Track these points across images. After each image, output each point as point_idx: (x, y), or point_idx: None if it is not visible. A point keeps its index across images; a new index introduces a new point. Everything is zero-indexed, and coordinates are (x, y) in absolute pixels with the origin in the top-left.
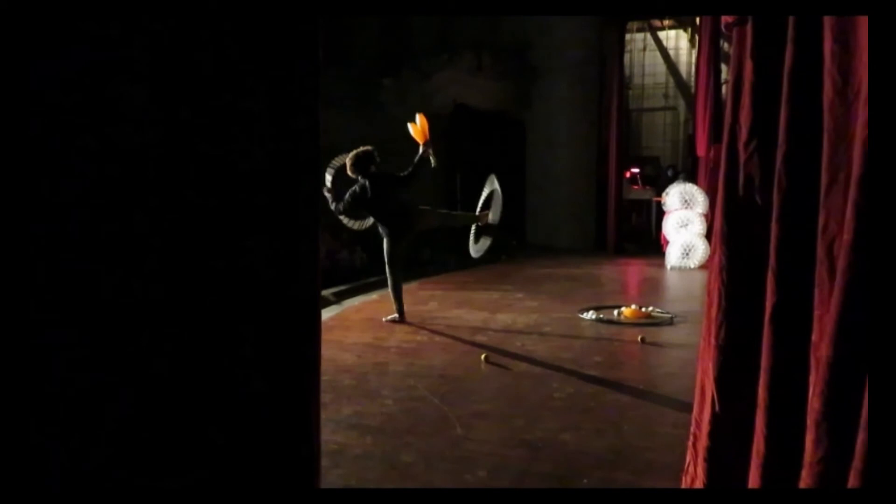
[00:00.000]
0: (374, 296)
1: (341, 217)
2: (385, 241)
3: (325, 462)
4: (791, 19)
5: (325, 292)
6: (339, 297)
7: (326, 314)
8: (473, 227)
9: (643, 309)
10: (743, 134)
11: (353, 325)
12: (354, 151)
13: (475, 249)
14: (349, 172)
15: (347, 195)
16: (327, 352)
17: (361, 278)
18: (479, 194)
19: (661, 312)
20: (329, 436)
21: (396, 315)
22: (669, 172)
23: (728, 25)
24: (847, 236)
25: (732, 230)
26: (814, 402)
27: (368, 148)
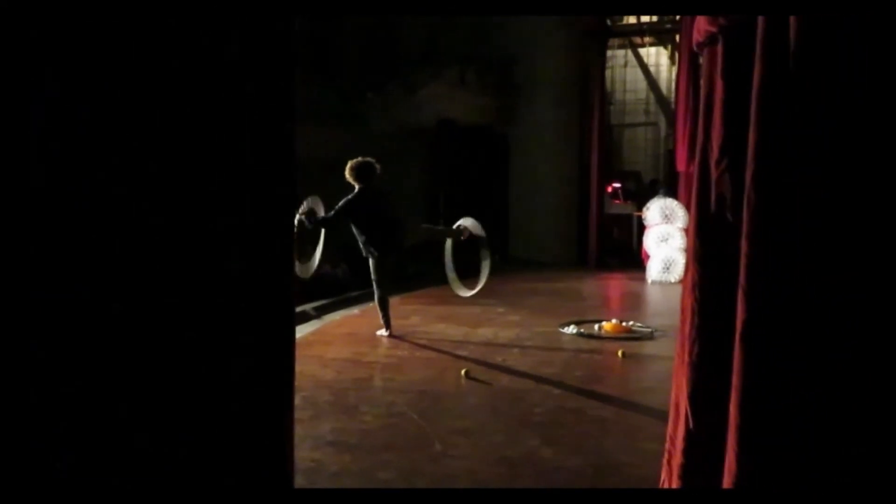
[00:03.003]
0: (355, 310)
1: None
2: (371, 260)
3: (301, 480)
4: (759, 38)
5: (306, 307)
6: (321, 312)
7: (307, 329)
8: (450, 252)
9: (624, 323)
10: (714, 152)
11: (333, 340)
12: (358, 159)
13: (474, 280)
14: (349, 178)
15: (340, 203)
16: (307, 367)
17: (344, 293)
18: (465, 209)
19: (642, 327)
20: (306, 453)
21: (385, 330)
22: (654, 187)
23: (700, 45)
24: (813, 253)
25: (705, 248)
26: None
27: (371, 159)
